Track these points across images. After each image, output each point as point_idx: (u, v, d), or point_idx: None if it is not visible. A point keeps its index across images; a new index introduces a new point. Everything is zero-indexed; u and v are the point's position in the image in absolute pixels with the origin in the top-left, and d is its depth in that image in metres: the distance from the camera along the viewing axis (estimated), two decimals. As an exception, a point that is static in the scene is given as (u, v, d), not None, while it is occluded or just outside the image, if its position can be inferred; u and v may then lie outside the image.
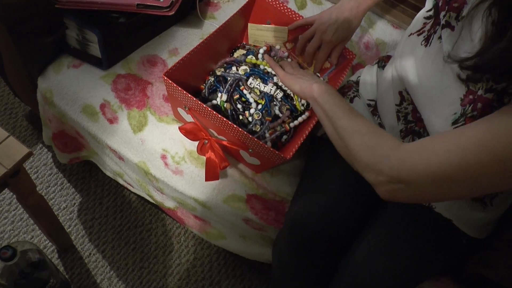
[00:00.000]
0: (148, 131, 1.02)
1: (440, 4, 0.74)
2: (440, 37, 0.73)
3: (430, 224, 0.85)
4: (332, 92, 0.83)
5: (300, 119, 0.97)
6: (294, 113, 0.98)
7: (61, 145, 1.22)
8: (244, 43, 1.10)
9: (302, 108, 0.99)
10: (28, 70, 1.08)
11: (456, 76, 0.66)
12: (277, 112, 0.97)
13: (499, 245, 0.86)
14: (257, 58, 1.03)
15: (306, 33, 1.01)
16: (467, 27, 0.66)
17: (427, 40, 0.77)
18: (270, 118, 0.95)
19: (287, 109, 0.97)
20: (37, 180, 1.39)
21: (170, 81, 0.85)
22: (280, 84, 0.98)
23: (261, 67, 1.01)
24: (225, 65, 1.02)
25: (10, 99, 1.52)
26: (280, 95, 0.97)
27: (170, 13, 1.03)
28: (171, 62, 1.09)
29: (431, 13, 0.79)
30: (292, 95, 0.99)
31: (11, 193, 1.32)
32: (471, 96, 0.66)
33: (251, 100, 0.96)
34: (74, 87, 1.05)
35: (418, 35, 0.80)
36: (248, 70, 0.99)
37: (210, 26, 1.18)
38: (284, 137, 0.97)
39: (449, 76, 0.70)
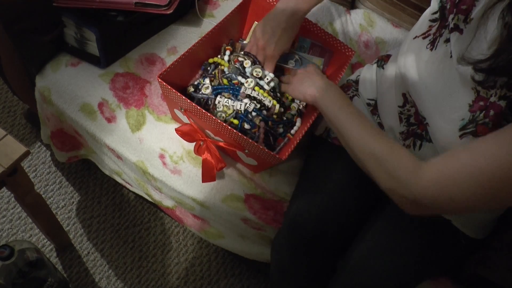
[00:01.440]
0: (146, 130, 1.01)
1: (448, 7, 0.73)
2: (446, 41, 0.72)
3: (429, 224, 0.85)
4: (337, 99, 0.80)
5: (295, 127, 0.95)
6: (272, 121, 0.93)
7: (60, 144, 1.22)
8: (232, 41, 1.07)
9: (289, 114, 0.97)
10: (26, 68, 1.07)
11: (470, 78, 0.65)
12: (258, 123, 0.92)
13: (498, 245, 0.85)
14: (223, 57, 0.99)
15: (246, 50, 0.98)
16: (482, 27, 0.65)
17: (432, 44, 0.76)
18: (256, 130, 0.90)
19: (260, 121, 0.91)
20: (36, 178, 1.39)
21: (164, 83, 0.84)
22: (252, 94, 0.91)
23: (227, 72, 0.96)
24: (196, 81, 0.98)
25: (9, 97, 1.52)
26: (251, 107, 0.90)
27: (168, 12, 1.03)
28: (170, 60, 1.08)
29: (436, 15, 0.77)
30: (267, 104, 0.93)
31: (10, 192, 1.32)
32: (481, 103, 0.65)
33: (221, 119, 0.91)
34: (72, 86, 1.04)
35: (423, 38, 0.79)
36: (210, 89, 0.92)
37: (209, 24, 1.17)
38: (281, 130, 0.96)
39: (457, 80, 0.69)
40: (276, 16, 0.91)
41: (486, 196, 0.59)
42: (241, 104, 0.89)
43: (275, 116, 0.93)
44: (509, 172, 0.56)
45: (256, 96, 0.91)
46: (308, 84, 0.87)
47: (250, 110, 0.90)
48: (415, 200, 0.66)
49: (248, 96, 0.91)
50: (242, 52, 0.99)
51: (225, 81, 0.95)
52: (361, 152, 0.73)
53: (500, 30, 0.61)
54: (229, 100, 0.90)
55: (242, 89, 0.91)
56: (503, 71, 0.59)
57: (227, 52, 1.01)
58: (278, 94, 0.96)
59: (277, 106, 0.92)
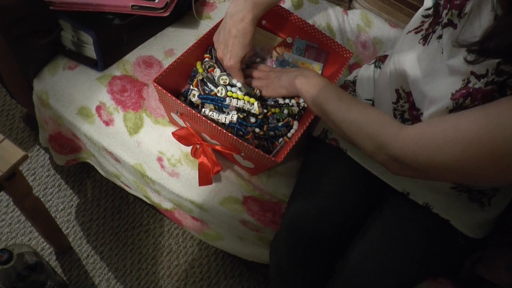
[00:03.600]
0: (144, 133, 1.01)
1: (441, 3, 0.73)
2: (439, 37, 0.73)
3: (428, 225, 0.85)
4: (316, 82, 0.83)
5: (292, 130, 0.94)
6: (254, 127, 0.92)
7: (58, 147, 1.22)
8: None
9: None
10: (24, 72, 1.07)
11: (463, 60, 0.65)
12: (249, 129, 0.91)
13: (497, 245, 0.85)
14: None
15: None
16: (476, 10, 0.65)
17: (425, 39, 0.77)
18: (250, 136, 0.90)
19: (248, 127, 0.90)
20: (35, 182, 1.39)
21: (160, 88, 0.84)
22: (238, 104, 0.90)
23: (209, 86, 0.93)
24: (186, 90, 0.96)
25: (7, 101, 1.52)
26: (235, 118, 0.88)
27: (165, 14, 1.03)
28: (167, 63, 1.08)
29: (429, 12, 0.78)
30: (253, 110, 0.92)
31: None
32: (464, 91, 0.66)
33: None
34: (69, 89, 1.04)
35: (416, 33, 0.80)
36: (196, 97, 0.91)
37: (206, 26, 1.17)
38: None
39: (445, 73, 0.70)
40: (226, 23, 0.88)
41: (464, 162, 0.60)
42: (225, 117, 0.88)
43: (260, 116, 0.92)
44: (488, 141, 0.57)
45: (243, 105, 0.90)
46: (286, 77, 0.89)
47: (234, 121, 0.89)
48: (397, 158, 0.68)
49: (236, 108, 0.91)
50: (214, 60, 0.99)
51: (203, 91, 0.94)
52: (342, 121, 0.76)
53: (492, 19, 0.62)
54: (214, 113, 0.89)
55: (228, 101, 0.89)
56: (492, 53, 0.60)
57: (206, 60, 0.99)
58: (258, 92, 0.95)
59: (256, 103, 0.90)
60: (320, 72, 1.03)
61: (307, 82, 0.84)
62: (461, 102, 0.66)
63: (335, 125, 0.79)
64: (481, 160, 0.58)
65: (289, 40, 1.06)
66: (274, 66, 1.04)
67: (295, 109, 0.97)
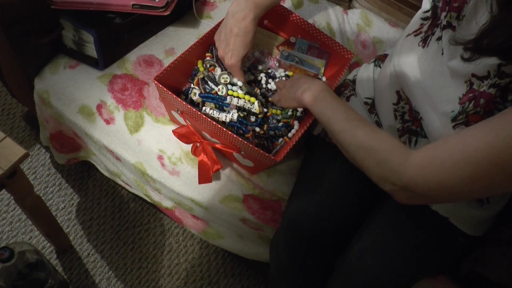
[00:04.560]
0: (145, 132, 1.02)
1: (440, 5, 0.74)
2: (438, 39, 0.73)
3: (427, 222, 0.85)
4: (324, 98, 0.80)
5: (293, 130, 0.95)
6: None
7: (59, 146, 1.22)
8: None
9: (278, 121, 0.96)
10: (25, 71, 1.08)
11: (459, 57, 0.65)
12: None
13: (496, 243, 0.86)
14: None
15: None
16: (473, 9, 0.66)
17: (424, 41, 0.77)
18: (250, 135, 0.90)
19: (248, 126, 0.91)
20: (35, 180, 1.39)
21: (160, 86, 0.85)
22: (239, 103, 0.90)
23: (210, 85, 0.94)
24: (187, 88, 0.97)
25: (8, 100, 1.52)
26: (235, 117, 0.89)
27: (166, 13, 1.03)
28: (168, 62, 1.08)
29: (428, 14, 0.79)
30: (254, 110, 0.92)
31: (9, 194, 1.32)
32: (471, 94, 0.66)
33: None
34: (70, 88, 1.05)
35: (415, 35, 0.80)
36: (197, 96, 0.91)
37: (207, 25, 1.18)
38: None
39: (448, 76, 0.70)
40: (228, 21, 0.89)
41: (476, 182, 0.60)
42: (226, 116, 0.88)
43: (260, 116, 0.92)
44: (498, 157, 0.56)
45: (243, 104, 0.90)
46: (295, 89, 0.87)
47: (235, 120, 0.89)
48: (406, 187, 0.66)
49: (237, 107, 0.91)
50: (215, 59, 0.99)
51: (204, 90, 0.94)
52: (349, 144, 0.74)
53: (488, 17, 0.62)
54: (214, 112, 0.89)
55: (228, 100, 0.90)
56: (487, 51, 0.60)
57: (207, 59, 0.99)
58: (259, 92, 0.96)
59: (256, 103, 0.90)
60: (322, 69, 1.04)
61: (313, 97, 0.81)
62: (466, 107, 0.67)
63: (342, 147, 0.77)
64: (493, 176, 0.58)
65: (292, 40, 1.06)
66: (276, 64, 1.04)
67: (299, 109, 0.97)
